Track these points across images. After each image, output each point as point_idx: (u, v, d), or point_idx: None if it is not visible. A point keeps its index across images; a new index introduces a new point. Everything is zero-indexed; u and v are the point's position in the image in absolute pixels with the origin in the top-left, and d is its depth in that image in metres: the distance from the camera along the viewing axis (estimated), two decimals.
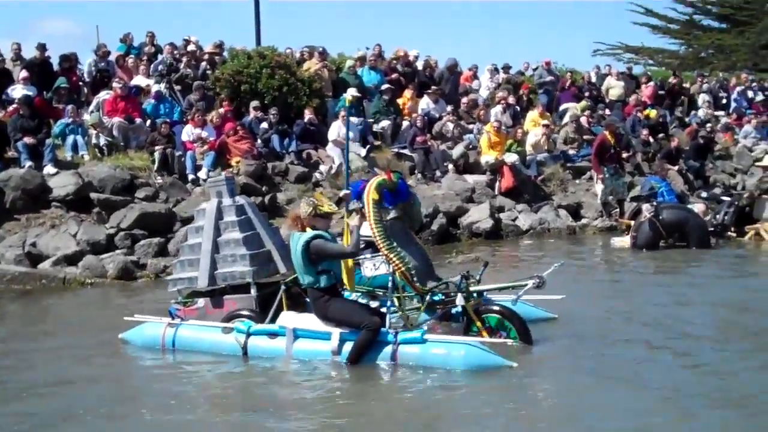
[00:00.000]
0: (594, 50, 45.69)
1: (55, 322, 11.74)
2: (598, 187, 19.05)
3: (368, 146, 19.01)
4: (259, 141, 18.08)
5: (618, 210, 18.81)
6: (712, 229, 16.85)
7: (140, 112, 18.28)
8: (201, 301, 9.76)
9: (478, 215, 17.72)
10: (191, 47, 21.21)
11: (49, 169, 15.88)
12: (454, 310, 9.23)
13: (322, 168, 18.18)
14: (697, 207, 17.32)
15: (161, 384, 8.18)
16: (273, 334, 8.67)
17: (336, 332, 8.30)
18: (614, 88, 25.37)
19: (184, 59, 20.28)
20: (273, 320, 8.96)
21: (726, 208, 17.60)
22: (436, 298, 9.12)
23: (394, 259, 8.74)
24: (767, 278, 13.68)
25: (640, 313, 10.45)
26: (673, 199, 17.08)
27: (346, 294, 9.19)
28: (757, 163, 21.63)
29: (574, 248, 16.81)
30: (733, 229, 17.43)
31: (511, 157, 19.26)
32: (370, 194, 8.95)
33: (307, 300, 9.27)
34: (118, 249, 14.84)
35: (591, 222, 18.98)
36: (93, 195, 15.67)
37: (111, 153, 16.97)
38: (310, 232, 8.39)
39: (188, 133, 17.49)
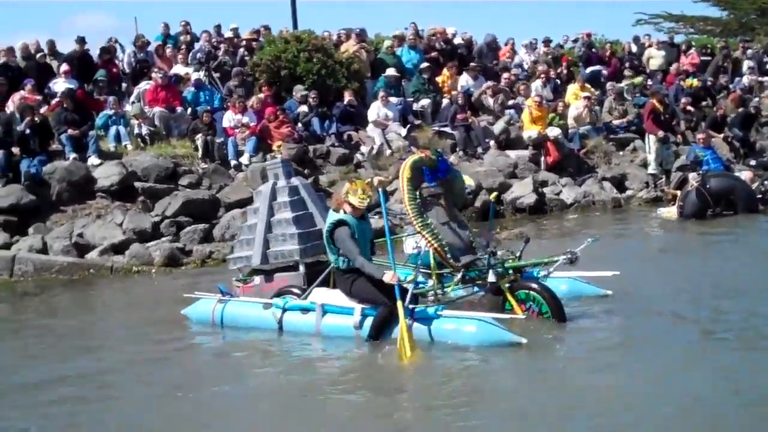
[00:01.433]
0: (636, 20, 45.17)
1: (113, 308, 12.07)
2: (650, 157, 18.83)
3: (408, 126, 18.96)
4: (299, 124, 18.10)
5: (664, 180, 18.60)
6: (760, 196, 16.59)
7: (180, 101, 18.39)
8: (257, 279, 10.12)
9: (522, 190, 17.63)
10: (228, 34, 21.31)
11: (93, 160, 16.05)
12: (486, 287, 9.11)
13: (363, 149, 18.17)
14: (744, 174, 17.04)
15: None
16: (305, 310, 8.89)
17: (358, 308, 8.45)
18: (655, 58, 25.05)
19: (222, 46, 20.36)
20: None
21: None
22: (472, 274, 9.06)
23: (427, 235, 8.78)
24: None
25: (691, 289, 10.03)
26: (719, 167, 16.81)
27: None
28: None
29: (621, 221, 16.66)
30: None
31: (554, 131, 19.10)
32: (404, 172, 8.99)
33: None
34: (163, 236, 14.97)
35: (636, 193, 18.79)
36: (137, 184, 15.83)
37: (153, 142, 17.11)
38: (339, 215, 8.52)
39: (229, 119, 17.57)
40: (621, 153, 20.31)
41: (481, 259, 8.96)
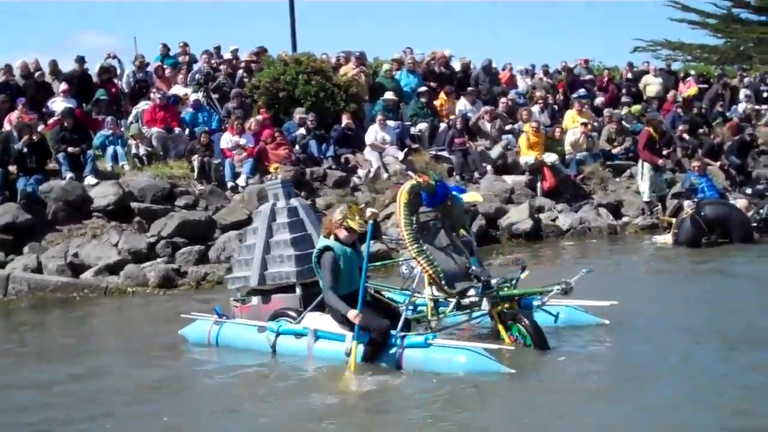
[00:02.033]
0: (634, 47, 45.38)
1: (106, 329, 12.13)
2: (644, 185, 18.84)
3: (406, 149, 18.99)
4: (297, 147, 18.13)
5: (659, 207, 18.63)
6: (755, 224, 16.60)
7: (179, 122, 18.43)
8: (255, 300, 10.06)
9: (518, 216, 17.62)
10: (228, 55, 21.39)
11: (89, 179, 16.07)
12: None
13: (360, 172, 18.20)
14: (740, 202, 17.03)
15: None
16: (298, 335, 8.89)
17: (349, 334, 8.39)
18: (652, 85, 25.16)
19: (221, 68, 20.43)
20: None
21: None
22: (467, 301, 9.02)
23: (422, 261, 8.75)
24: None
25: (686, 320, 10.00)
26: (714, 195, 16.82)
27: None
28: None
29: (616, 248, 16.66)
30: None
31: (551, 157, 19.14)
32: (401, 197, 8.98)
33: None
34: (159, 257, 14.95)
35: (632, 220, 18.80)
36: (133, 204, 15.83)
37: (150, 162, 17.12)
38: (327, 242, 8.55)
39: (227, 140, 17.59)
40: (617, 179, 20.36)
41: (475, 287, 8.92)
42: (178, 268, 14.72)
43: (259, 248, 10.16)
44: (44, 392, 8.29)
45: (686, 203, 16.19)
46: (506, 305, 8.86)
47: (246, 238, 11.05)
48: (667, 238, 16.39)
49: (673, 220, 16.52)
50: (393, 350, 8.22)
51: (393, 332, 8.26)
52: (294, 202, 10.54)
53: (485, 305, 8.76)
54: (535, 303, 9.12)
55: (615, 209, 19.12)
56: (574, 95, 23.06)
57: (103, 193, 15.83)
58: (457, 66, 23.50)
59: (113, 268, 14.53)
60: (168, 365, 9.32)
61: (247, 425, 7.12)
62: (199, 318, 10.03)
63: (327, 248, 8.47)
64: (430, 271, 8.73)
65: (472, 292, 8.91)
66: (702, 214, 15.76)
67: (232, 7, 69.57)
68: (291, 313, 9.42)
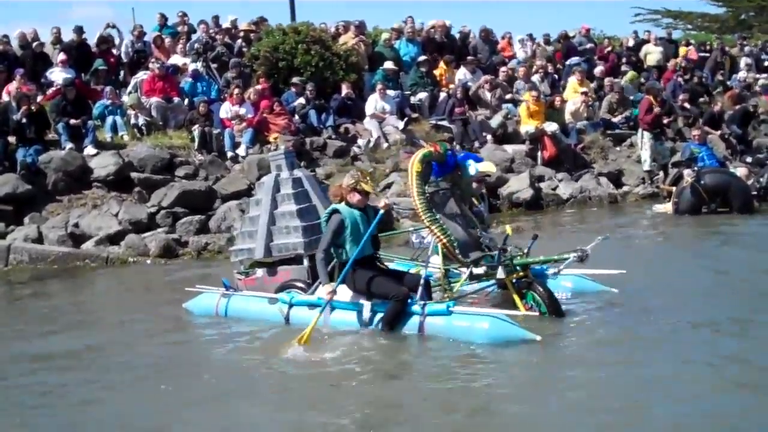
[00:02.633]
0: (634, 14, 45.24)
1: (109, 299, 12.11)
2: (644, 153, 18.82)
3: (406, 119, 18.94)
4: (296, 116, 18.08)
5: (661, 176, 18.62)
6: (755, 192, 16.61)
7: (178, 92, 18.37)
8: (259, 272, 9.97)
9: (518, 185, 17.62)
10: (226, 24, 21.29)
11: (89, 150, 16.04)
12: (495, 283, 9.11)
13: (360, 142, 18.17)
14: (740, 171, 17.02)
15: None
16: (312, 305, 8.80)
17: (367, 304, 8.40)
18: (652, 54, 25.05)
19: (219, 37, 20.34)
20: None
21: None
22: (480, 270, 9.00)
23: (436, 230, 8.74)
24: None
25: (691, 285, 10.09)
26: (714, 164, 16.81)
27: (392, 264, 9.49)
28: None
29: (617, 216, 16.66)
30: None
31: (551, 126, 19.09)
32: (413, 166, 8.97)
33: None
34: (159, 227, 14.97)
35: (632, 189, 18.80)
36: (133, 174, 15.83)
37: (150, 133, 17.08)
38: (335, 205, 8.53)
39: (226, 110, 17.54)
40: (618, 149, 20.32)
41: (490, 256, 8.92)
42: (179, 238, 14.72)
43: (263, 220, 10.13)
44: (44, 364, 8.30)
45: (686, 172, 16.18)
46: (520, 274, 8.84)
47: (248, 209, 10.96)
48: (667, 207, 16.40)
49: (674, 188, 16.52)
50: (414, 318, 8.20)
51: (412, 300, 8.27)
52: (298, 173, 10.49)
53: (501, 273, 8.68)
54: (550, 271, 9.12)
55: (615, 178, 19.11)
56: (568, 62, 22.95)
57: (103, 164, 15.82)
58: (456, 35, 23.38)
59: (114, 238, 14.56)
60: (174, 339, 9.22)
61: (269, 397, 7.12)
62: (205, 291, 9.94)
63: (335, 211, 8.43)
64: (444, 240, 8.73)
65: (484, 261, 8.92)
66: (702, 182, 15.77)
67: None
68: (299, 284, 9.40)
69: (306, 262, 9.73)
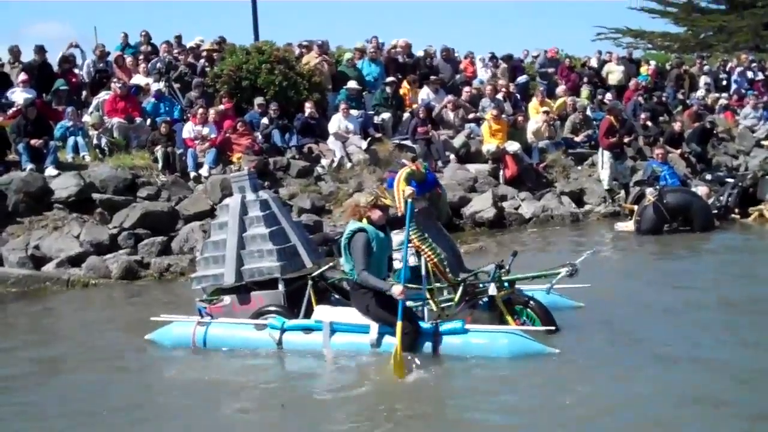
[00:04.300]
0: (596, 34, 45.65)
1: (66, 325, 11.87)
2: (603, 173, 18.97)
3: (369, 139, 18.97)
4: (259, 136, 18.05)
5: (622, 195, 18.77)
6: (716, 211, 16.80)
7: (140, 112, 18.27)
8: (227, 299, 9.64)
9: (481, 204, 17.68)
10: (190, 44, 21.23)
11: (50, 171, 15.89)
12: (481, 300, 9.13)
13: (324, 162, 18.17)
14: (700, 189, 17.22)
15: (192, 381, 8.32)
16: (308, 329, 8.66)
17: (375, 325, 8.30)
18: (614, 73, 25.33)
19: (182, 57, 20.26)
20: (306, 315, 9.03)
21: (729, 189, 17.54)
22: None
23: (427, 250, 8.76)
24: None
25: (656, 300, 10.43)
26: (676, 183, 17.00)
27: None
28: (763, 141, 21.47)
29: (580, 235, 16.77)
30: (736, 210, 17.36)
31: (513, 146, 19.20)
32: (400, 185, 9.01)
33: (334, 295, 9.52)
34: (121, 249, 14.85)
35: (594, 208, 18.93)
36: (95, 195, 15.69)
37: (112, 153, 16.96)
38: (359, 224, 8.32)
39: (189, 130, 17.48)
40: (579, 168, 20.47)
41: (480, 273, 9.04)
42: (141, 260, 14.62)
43: (232, 244, 9.70)
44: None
45: (648, 191, 16.34)
46: (509, 290, 8.93)
47: (211, 233, 10.41)
48: (629, 226, 16.52)
49: (635, 207, 16.66)
50: (428, 338, 8.17)
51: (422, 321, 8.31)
52: (264, 194, 10.19)
53: (492, 290, 8.75)
54: (545, 286, 9.23)
55: (577, 197, 19.24)
56: (514, 83, 23.05)
57: (64, 185, 15.67)
58: (419, 54, 23.46)
59: (75, 260, 14.42)
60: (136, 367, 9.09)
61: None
62: (175, 320, 9.57)
63: (361, 230, 8.23)
64: (435, 260, 8.75)
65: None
66: (664, 201, 15.92)
67: None
68: (272, 309, 9.22)
69: (281, 286, 9.49)
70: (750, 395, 6.92)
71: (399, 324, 7.94)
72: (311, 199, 16.85)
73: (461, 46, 23.59)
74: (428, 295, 8.94)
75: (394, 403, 7.33)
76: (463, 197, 17.81)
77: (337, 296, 9.62)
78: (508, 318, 8.74)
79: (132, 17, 62.55)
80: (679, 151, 21.11)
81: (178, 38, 21.75)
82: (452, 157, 19.26)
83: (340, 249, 8.61)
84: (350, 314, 8.53)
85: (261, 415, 7.28)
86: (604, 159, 18.94)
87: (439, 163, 18.95)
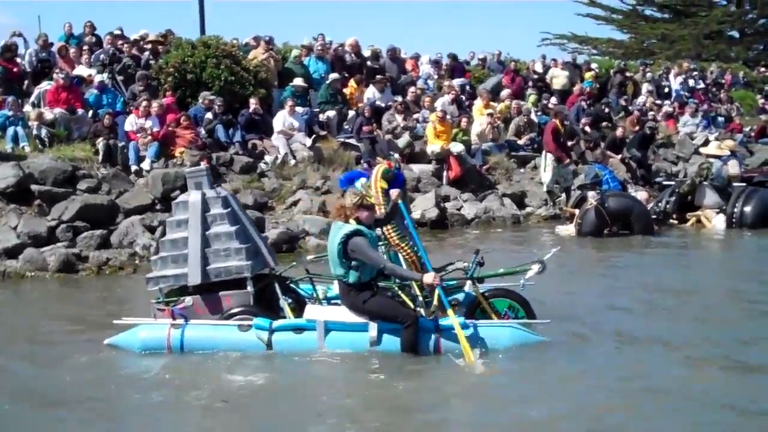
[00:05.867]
0: (541, 39, 46.14)
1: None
2: (545, 175, 19.18)
3: (314, 136, 18.94)
4: (203, 131, 17.91)
5: (563, 198, 18.97)
6: (655, 216, 17.06)
7: (82, 103, 18.00)
8: (189, 300, 9.10)
9: (424, 205, 17.74)
10: (134, 36, 20.99)
11: None
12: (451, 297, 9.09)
13: (267, 158, 18.09)
14: (640, 194, 17.50)
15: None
16: (299, 329, 8.48)
17: (373, 324, 8.23)
18: (558, 78, 25.60)
19: (126, 49, 20.02)
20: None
21: (668, 195, 17.83)
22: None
23: (406, 248, 8.88)
24: (711, 262, 14.67)
25: (594, 300, 10.85)
26: (617, 187, 17.26)
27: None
28: (702, 149, 21.82)
29: (521, 236, 16.92)
30: (675, 216, 17.65)
31: (457, 147, 19.30)
32: (378, 182, 9.03)
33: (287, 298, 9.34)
34: (59, 242, 14.61)
35: (535, 210, 19.11)
36: (34, 187, 15.39)
37: (52, 144, 16.70)
38: (352, 225, 8.26)
39: (131, 123, 17.29)
40: (522, 170, 20.65)
41: (454, 270, 9.17)
42: (79, 253, 14.42)
43: (195, 242, 9.22)
44: None
45: (590, 194, 16.54)
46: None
47: (168, 231, 9.69)
48: (570, 229, 16.70)
49: (576, 211, 16.84)
50: (429, 336, 8.20)
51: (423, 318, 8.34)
52: (222, 191, 9.76)
53: (469, 287, 8.91)
54: (521, 281, 9.25)
55: (519, 199, 19.40)
56: (447, 83, 23.13)
57: (2, 175, 15.35)
58: (367, 54, 23.48)
59: (12, 252, 14.16)
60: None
61: None
62: (141, 323, 9.05)
63: (358, 232, 8.17)
64: (414, 257, 8.87)
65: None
66: (606, 205, 16.11)
67: None
68: (246, 311, 8.93)
69: (250, 286, 9.12)
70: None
71: (450, 312, 8.18)
72: (254, 195, 16.76)
73: (403, 45, 23.72)
74: (418, 292, 8.96)
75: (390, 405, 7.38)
76: (406, 197, 17.80)
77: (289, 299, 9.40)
78: (489, 311, 8.87)
79: (77, 8, 61.68)
80: (619, 156, 21.39)
81: (121, 30, 21.43)
82: (396, 156, 19.28)
83: None
84: (342, 313, 8.41)
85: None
86: (547, 162, 19.16)
87: None
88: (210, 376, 8.05)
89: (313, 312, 8.55)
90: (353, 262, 8.18)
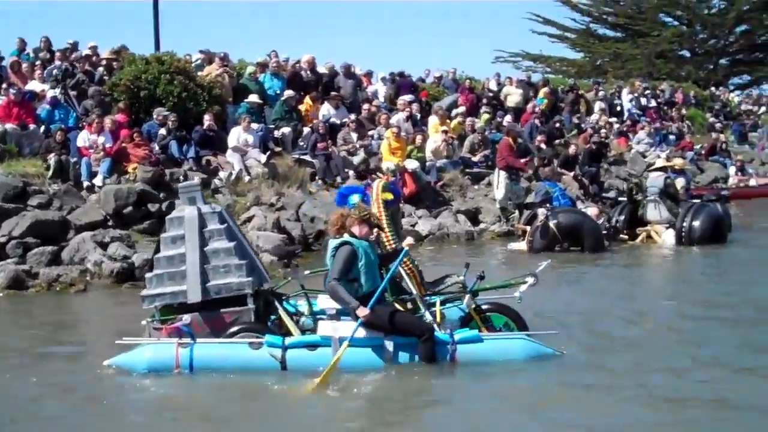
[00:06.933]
0: (495, 57, 46.53)
1: None
2: (498, 192, 19.34)
3: (269, 152, 18.93)
4: (156, 147, 17.84)
5: (516, 215, 19.12)
6: (605, 231, 17.24)
7: (34, 118, 17.86)
8: (187, 317, 8.76)
9: None
10: (87, 52, 20.88)
11: None
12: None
13: (222, 174, 18.05)
14: (591, 210, 17.68)
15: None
16: (313, 345, 8.38)
17: (389, 340, 8.20)
18: (512, 96, 25.84)
19: (79, 64, 19.92)
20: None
21: (617, 215, 18.03)
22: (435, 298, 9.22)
23: (406, 260, 8.85)
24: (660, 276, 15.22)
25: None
26: (567, 203, 17.46)
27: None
28: (651, 168, 22.12)
29: (475, 253, 17.00)
30: (625, 231, 17.84)
31: (412, 164, 19.39)
32: (380, 195, 9.10)
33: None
34: (9, 258, 14.46)
35: (489, 227, 19.24)
36: None
37: (3, 160, 16.54)
38: (344, 238, 8.27)
39: (84, 139, 17.18)
40: (476, 187, 20.80)
41: (451, 283, 9.30)
42: (30, 270, 14.26)
43: (193, 259, 9.04)
44: None
45: (540, 211, 16.72)
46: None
47: (162, 248, 9.41)
48: (521, 245, 16.84)
49: (528, 227, 16.98)
50: (444, 347, 8.23)
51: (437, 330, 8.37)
52: (216, 206, 9.66)
53: (468, 301, 8.98)
54: (516, 294, 9.26)
55: (473, 216, 19.52)
56: (400, 100, 23.26)
57: None
58: (322, 71, 23.54)
59: None
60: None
61: None
62: (145, 342, 8.79)
63: (346, 242, 8.19)
64: (414, 269, 8.93)
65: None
66: (556, 221, 16.28)
67: (94, 6, 67.93)
68: (250, 328, 8.78)
69: (251, 302, 8.99)
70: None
71: (337, 355, 7.95)
72: None
73: (357, 62, 23.87)
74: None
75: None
76: None
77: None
78: (480, 325, 8.92)
79: (30, 23, 61.18)
80: (572, 173, 21.61)
81: (74, 45, 21.32)
82: (351, 173, 19.35)
83: None
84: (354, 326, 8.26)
85: None
86: (500, 179, 19.31)
87: (338, 179, 19.02)
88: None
89: (326, 328, 8.37)
90: (349, 275, 8.18)
